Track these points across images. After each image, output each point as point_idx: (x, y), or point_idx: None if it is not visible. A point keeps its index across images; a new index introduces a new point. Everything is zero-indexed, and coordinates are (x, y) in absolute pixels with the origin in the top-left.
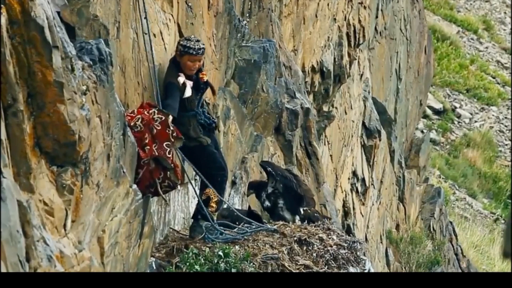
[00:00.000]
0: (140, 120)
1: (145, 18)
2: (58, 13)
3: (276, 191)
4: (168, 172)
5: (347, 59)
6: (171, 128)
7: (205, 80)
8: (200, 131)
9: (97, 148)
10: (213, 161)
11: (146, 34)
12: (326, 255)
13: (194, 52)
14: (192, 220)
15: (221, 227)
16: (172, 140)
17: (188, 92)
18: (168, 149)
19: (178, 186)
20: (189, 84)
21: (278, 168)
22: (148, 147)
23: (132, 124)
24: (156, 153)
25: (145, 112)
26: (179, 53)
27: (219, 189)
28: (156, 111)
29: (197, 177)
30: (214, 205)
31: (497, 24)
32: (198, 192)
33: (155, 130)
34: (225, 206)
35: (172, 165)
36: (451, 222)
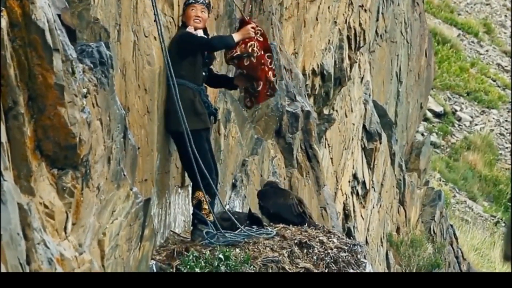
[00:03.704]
0: (256, 46)
1: (155, 21)
2: (59, 16)
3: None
4: (272, 82)
5: (348, 62)
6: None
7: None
8: (205, 109)
9: (97, 151)
10: (204, 157)
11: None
12: (326, 258)
13: (193, 1)
14: (192, 227)
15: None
16: (271, 48)
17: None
18: (270, 60)
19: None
20: (200, 32)
21: (272, 198)
22: (264, 65)
23: (250, 50)
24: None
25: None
26: (183, 12)
27: (206, 190)
28: (255, 24)
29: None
30: (206, 207)
31: (497, 27)
32: (190, 198)
33: (259, 41)
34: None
35: (275, 76)
36: (451, 225)
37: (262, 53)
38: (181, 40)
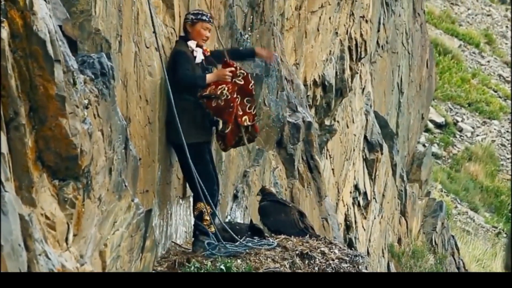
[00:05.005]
0: (226, 89)
1: (154, 32)
2: (60, 26)
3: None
4: (250, 127)
5: (349, 72)
6: (252, 82)
7: (209, 53)
8: (206, 122)
9: (99, 161)
10: (205, 171)
11: (153, 48)
12: (328, 269)
13: (207, 19)
14: (193, 238)
15: (223, 242)
16: (254, 93)
17: (199, 57)
18: (249, 105)
19: (256, 139)
20: (200, 50)
21: (272, 215)
22: (233, 108)
23: (218, 93)
24: (241, 118)
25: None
26: (190, 23)
27: (209, 202)
28: (238, 67)
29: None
30: (208, 218)
31: (498, 38)
32: (191, 207)
33: (237, 85)
34: (227, 219)
35: (253, 121)
36: (453, 236)
37: (235, 96)
38: (174, 58)
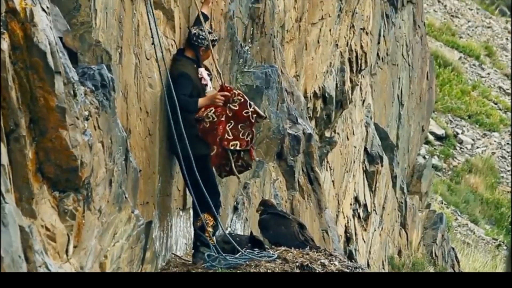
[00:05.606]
0: (213, 112)
1: (153, 44)
2: (61, 38)
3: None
4: (242, 153)
5: (349, 84)
6: (250, 109)
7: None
8: None
9: (99, 173)
10: (212, 181)
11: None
12: None
13: (217, 44)
14: (193, 250)
15: (223, 254)
16: (252, 121)
17: (210, 84)
18: (243, 131)
19: (252, 166)
20: (209, 80)
21: (272, 228)
22: (217, 131)
23: (204, 115)
24: (226, 142)
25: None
26: (205, 48)
27: (213, 213)
28: (236, 92)
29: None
30: (210, 229)
31: (499, 50)
32: (192, 219)
33: (232, 110)
34: (227, 231)
35: (246, 147)
36: (453, 248)
37: (223, 119)
38: (175, 78)
